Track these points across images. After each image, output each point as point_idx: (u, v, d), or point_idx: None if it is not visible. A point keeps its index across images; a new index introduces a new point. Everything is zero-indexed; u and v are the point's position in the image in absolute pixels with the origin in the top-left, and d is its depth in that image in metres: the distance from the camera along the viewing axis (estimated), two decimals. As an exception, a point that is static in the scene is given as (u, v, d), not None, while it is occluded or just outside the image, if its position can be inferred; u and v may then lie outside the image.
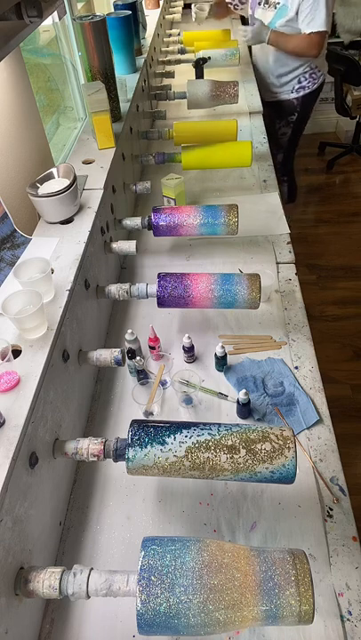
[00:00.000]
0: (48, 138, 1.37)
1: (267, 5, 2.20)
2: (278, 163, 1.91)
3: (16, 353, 0.81)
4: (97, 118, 1.30)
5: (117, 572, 0.69)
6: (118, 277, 1.46)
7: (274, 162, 1.92)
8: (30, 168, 1.20)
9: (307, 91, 2.39)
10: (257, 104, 2.29)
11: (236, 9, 2.47)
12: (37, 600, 0.77)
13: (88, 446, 0.82)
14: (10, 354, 0.78)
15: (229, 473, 0.76)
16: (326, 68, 2.40)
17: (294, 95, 2.42)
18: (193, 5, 2.48)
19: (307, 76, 2.34)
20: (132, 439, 0.78)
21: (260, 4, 2.24)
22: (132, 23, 1.74)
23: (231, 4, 2.46)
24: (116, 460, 0.81)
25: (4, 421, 0.70)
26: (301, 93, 2.41)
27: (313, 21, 2.05)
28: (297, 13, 2.08)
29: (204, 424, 0.80)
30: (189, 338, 1.15)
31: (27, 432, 0.71)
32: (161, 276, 1.15)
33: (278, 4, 2.15)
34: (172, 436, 0.77)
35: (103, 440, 0.82)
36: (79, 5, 1.85)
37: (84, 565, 0.70)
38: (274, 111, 2.41)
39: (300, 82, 2.37)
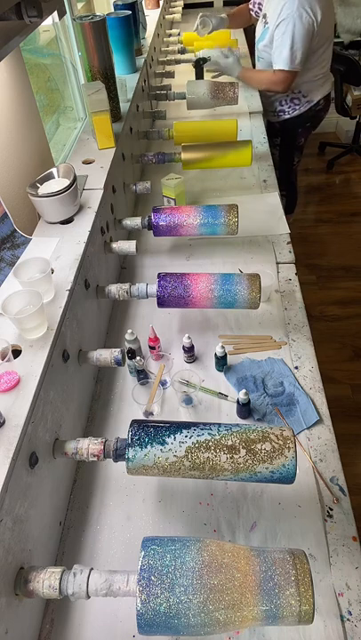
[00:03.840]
0: (48, 138, 1.36)
1: (263, 20, 2.14)
2: (277, 177, 1.88)
3: (16, 353, 0.81)
4: (97, 118, 1.30)
5: (117, 572, 0.69)
6: (118, 277, 1.46)
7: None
8: (30, 168, 1.20)
9: (287, 115, 2.30)
10: (257, 104, 2.29)
11: (258, 15, 2.37)
12: (37, 600, 0.77)
13: (88, 446, 0.82)
14: (10, 354, 0.78)
15: (229, 473, 0.76)
16: (320, 95, 2.25)
17: (276, 118, 2.35)
18: (198, 16, 2.39)
19: (287, 99, 2.25)
20: (132, 439, 0.78)
21: (262, 15, 2.18)
22: (132, 23, 1.74)
23: (252, 10, 2.39)
24: (116, 460, 0.81)
25: (4, 421, 0.70)
26: (282, 117, 2.33)
27: (278, 59, 1.98)
28: (272, 42, 2.02)
29: (204, 424, 0.80)
30: (189, 338, 1.15)
31: (27, 432, 0.71)
32: (161, 276, 1.15)
33: (267, 24, 2.08)
34: (172, 436, 0.77)
35: (103, 440, 0.82)
36: (79, 5, 1.85)
37: (84, 565, 0.70)
38: (266, 129, 2.36)
39: (280, 104, 2.29)
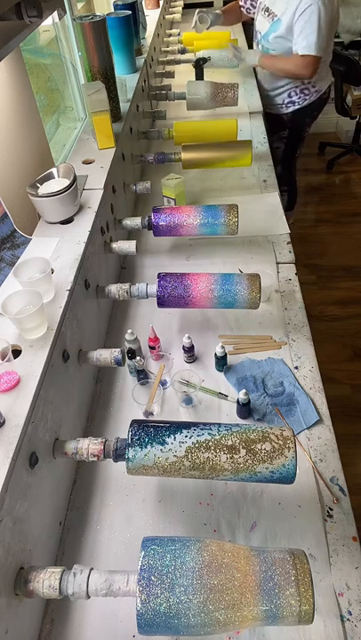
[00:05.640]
0: (48, 138, 1.36)
1: (266, 14, 2.16)
2: (278, 174, 1.88)
3: (16, 353, 0.81)
4: (97, 118, 1.30)
5: (117, 572, 0.69)
6: (118, 277, 1.46)
7: (275, 171, 1.91)
8: (30, 168, 1.20)
9: (297, 106, 2.33)
10: (257, 104, 2.29)
11: (249, 12, 2.41)
12: (37, 600, 0.77)
13: (88, 446, 0.82)
14: (10, 354, 0.78)
15: (229, 473, 0.76)
16: (326, 84, 2.30)
17: (284, 110, 2.36)
18: (196, 13, 2.41)
19: (297, 90, 2.28)
20: (132, 439, 0.78)
21: (262, 10, 2.20)
22: (132, 23, 1.74)
23: (244, 7, 2.41)
24: (116, 460, 0.81)
25: (4, 421, 0.70)
26: (291, 109, 2.35)
27: (305, 43, 1.99)
28: (290, 32, 2.04)
29: (204, 424, 0.80)
30: (189, 338, 1.15)
31: (27, 432, 0.71)
32: (161, 276, 1.15)
33: (275, 16, 2.09)
34: (172, 436, 0.77)
35: (103, 440, 0.82)
36: (79, 5, 1.85)
37: (84, 565, 0.70)
38: (268, 123, 2.34)
39: (290, 96, 2.31)
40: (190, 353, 1.17)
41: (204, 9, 2.39)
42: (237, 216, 1.30)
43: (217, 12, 2.44)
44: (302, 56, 2.03)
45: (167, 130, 1.77)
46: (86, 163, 1.33)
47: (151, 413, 1.08)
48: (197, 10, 2.38)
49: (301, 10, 1.95)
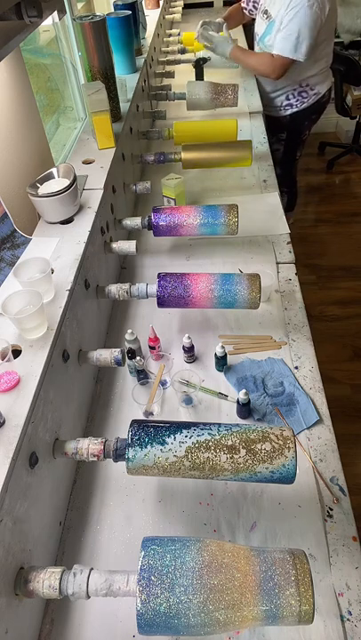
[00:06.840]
0: (48, 138, 1.36)
1: (265, 16, 2.15)
2: (278, 175, 1.88)
3: (16, 353, 0.81)
4: (97, 118, 1.30)
5: (117, 572, 0.69)
6: (118, 277, 1.46)
7: (275, 171, 1.90)
8: (30, 168, 1.20)
9: (295, 109, 2.32)
10: (257, 104, 2.29)
11: (251, 14, 2.40)
12: (37, 600, 0.77)
13: (88, 446, 0.82)
14: (10, 354, 0.78)
15: (229, 473, 0.76)
16: (325, 87, 2.29)
17: (282, 113, 2.36)
18: (199, 25, 2.35)
19: (295, 93, 2.27)
20: (132, 439, 0.78)
21: (262, 12, 2.19)
22: (132, 23, 1.74)
23: (246, 8, 2.40)
24: (116, 460, 0.81)
25: (4, 421, 0.70)
26: (289, 111, 2.34)
27: (281, 43, 1.97)
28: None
29: (204, 424, 0.80)
30: (189, 338, 1.15)
31: (27, 432, 0.71)
32: (161, 276, 1.15)
33: (271, 18, 2.09)
34: (172, 436, 0.77)
35: (103, 440, 0.82)
36: (79, 5, 1.85)
37: (84, 565, 0.70)
38: (267, 124, 2.33)
39: (287, 99, 2.30)
40: (190, 353, 1.17)
41: (208, 20, 2.35)
42: (237, 216, 1.30)
43: (218, 20, 2.42)
44: (273, 56, 2.02)
45: (167, 130, 1.77)
46: (86, 163, 1.33)
47: (151, 413, 1.08)
48: (201, 22, 2.35)
49: (289, 9, 1.93)
